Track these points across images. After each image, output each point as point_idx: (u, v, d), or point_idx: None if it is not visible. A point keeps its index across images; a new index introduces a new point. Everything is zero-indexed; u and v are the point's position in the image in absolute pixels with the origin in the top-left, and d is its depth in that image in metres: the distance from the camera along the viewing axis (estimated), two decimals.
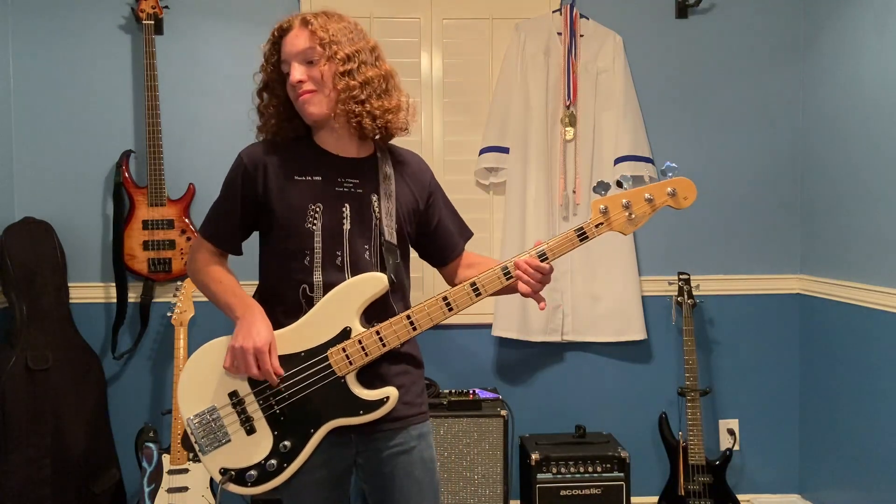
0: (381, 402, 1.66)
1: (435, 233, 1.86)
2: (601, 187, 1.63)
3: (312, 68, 1.67)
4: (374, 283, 1.67)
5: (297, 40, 1.68)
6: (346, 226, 1.70)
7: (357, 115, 1.68)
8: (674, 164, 1.62)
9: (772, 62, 3.27)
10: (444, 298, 1.66)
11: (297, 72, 1.67)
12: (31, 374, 2.80)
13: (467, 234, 1.93)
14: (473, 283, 1.66)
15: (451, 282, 1.90)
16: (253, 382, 1.67)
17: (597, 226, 1.63)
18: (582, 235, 1.63)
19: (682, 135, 3.27)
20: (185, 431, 1.70)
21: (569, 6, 3.13)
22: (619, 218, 1.63)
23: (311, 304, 1.68)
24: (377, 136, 1.74)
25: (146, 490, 2.81)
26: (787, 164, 3.29)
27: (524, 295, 1.67)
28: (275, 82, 1.73)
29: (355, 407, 1.66)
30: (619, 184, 1.62)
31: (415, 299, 1.82)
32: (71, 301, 3.05)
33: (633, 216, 1.63)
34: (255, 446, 1.67)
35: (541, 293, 1.70)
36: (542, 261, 1.65)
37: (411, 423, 1.75)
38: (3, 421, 2.71)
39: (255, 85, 1.78)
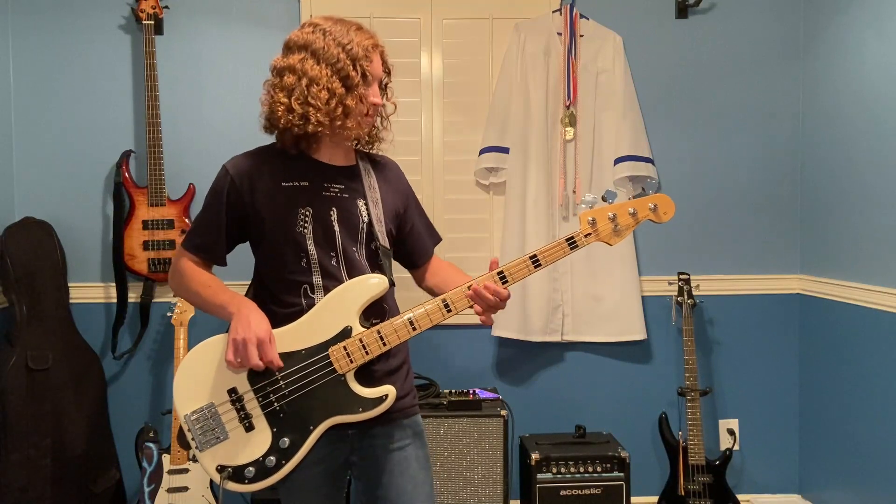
0: (379, 400, 1.68)
1: (409, 236, 1.91)
2: (588, 202, 1.76)
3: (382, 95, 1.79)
4: (375, 284, 1.71)
5: (379, 65, 1.75)
6: (336, 228, 1.73)
7: (372, 136, 1.82)
8: (653, 181, 1.73)
9: (772, 62, 3.27)
10: (443, 300, 1.70)
11: (379, 95, 1.76)
12: (31, 374, 2.80)
13: (437, 238, 1.98)
14: (471, 287, 1.70)
15: (420, 284, 1.96)
16: (253, 379, 1.68)
17: (585, 235, 1.75)
18: (572, 244, 1.74)
19: (682, 135, 3.27)
20: (181, 428, 1.70)
21: (569, 6, 3.13)
22: (605, 229, 1.76)
23: (311, 304, 1.71)
24: (369, 148, 1.85)
25: (146, 490, 2.81)
26: (787, 164, 3.29)
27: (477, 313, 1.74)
28: (359, 86, 1.70)
29: (355, 404, 1.67)
30: (605, 198, 1.74)
31: (411, 300, 1.83)
32: (71, 301, 3.05)
33: (618, 227, 1.76)
34: (254, 443, 1.67)
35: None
36: (502, 282, 1.70)
37: (405, 415, 1.79)
38: (3, 421, 2.72)
39: (313, 71, 1.66)
